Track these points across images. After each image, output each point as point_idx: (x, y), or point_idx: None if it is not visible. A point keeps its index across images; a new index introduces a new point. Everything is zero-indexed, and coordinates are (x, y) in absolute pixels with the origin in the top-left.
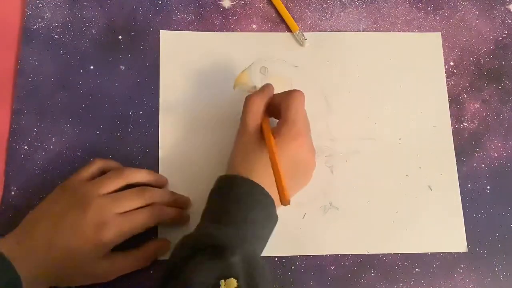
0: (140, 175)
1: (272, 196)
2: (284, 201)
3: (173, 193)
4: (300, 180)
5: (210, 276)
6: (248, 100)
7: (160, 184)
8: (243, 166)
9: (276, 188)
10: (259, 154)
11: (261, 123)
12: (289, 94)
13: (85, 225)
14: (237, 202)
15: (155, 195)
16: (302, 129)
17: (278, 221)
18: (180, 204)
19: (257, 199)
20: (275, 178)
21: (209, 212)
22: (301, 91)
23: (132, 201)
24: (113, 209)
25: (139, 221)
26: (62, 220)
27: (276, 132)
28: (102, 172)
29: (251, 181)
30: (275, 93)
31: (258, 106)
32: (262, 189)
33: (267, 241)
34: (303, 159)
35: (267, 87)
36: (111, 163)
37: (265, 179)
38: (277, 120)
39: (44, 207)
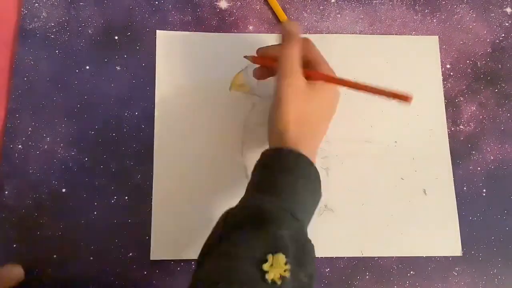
0: None
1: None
2: (408, 98)
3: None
4: (332, 115)
5: (257, 249)
6: (289, 51)
7: None
8: (290, 133)
9: (315, 144)
10: (313, 108)
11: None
12: (306, 42)
13: None
14: (283, 173)
15: None
16: (331, 68)
17: None
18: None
19: (303, 172)
20: (376, 93)
21: (254, 183)
22: (309, 38)
23: None
24: None
25: None
26: None
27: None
28: None
29: (298, 152)
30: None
31: (298, 55)
32: (309, 161)
33: (312, 217)
34: (337, 95)
35: (292, 35)
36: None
37: (311, 147)
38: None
39: None
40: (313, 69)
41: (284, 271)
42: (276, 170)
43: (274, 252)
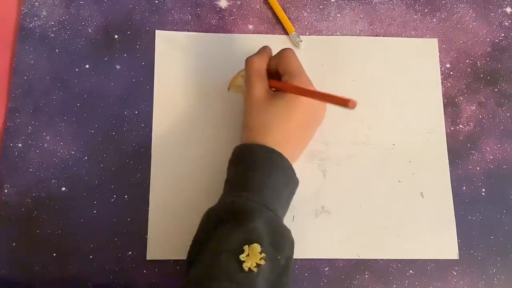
0: None
1: (288, 158)
2: (349, 103)
3: None
4: (312, 131)
5: (234, 242)
6: (249, 61)
7: None
8: (258, 132)
9: (291, 149)
10: (272, 115)
11: (269, 81)
12: (283, 52)
13: None
14: (255, 168)
15: None
16: (309, 80)
17: None
18: None
19: (275, 164)
20: (321, 99)
21: (229, 182)
22: (291, 48)
23: None
24: None
25: None
26: None
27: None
28: None
29: (267, 147)
30: None
31: (261, 65)
32: (279, 153)
33: (289, 203)
34: (316, 110)
35: (264, 48)
36: None
37: (280, 141)
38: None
39: None
40: (285, 79)
41: (260, 259)
42: (248, 165)
43: (250, 243)
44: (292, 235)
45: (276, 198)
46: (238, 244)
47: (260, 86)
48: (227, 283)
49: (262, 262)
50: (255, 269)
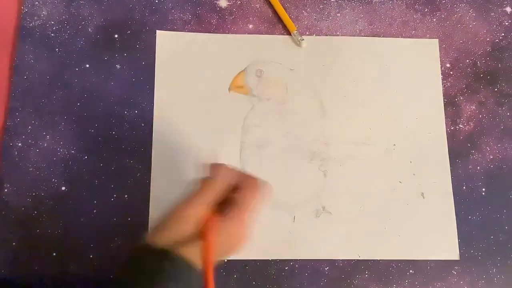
0: None
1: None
2: None
3: None
4: (231, 249)
5: None
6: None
7: None
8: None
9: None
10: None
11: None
12: (251, 184)
13: None
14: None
15: None
16: (247, 218)
17: (270, 224)
18: None
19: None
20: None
21: None
22: (259, 184)
23: None
24: None
25: None
26: None
27: (224, 212)
28: None
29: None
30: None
31: (200, 208)
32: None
33: None
34: (238, 236)
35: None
36: None
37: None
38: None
39: None
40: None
41: None
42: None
43: None
44: (293, 236)
45: None
46: None
47: (192, 210)
48: None
49: None
50: None
